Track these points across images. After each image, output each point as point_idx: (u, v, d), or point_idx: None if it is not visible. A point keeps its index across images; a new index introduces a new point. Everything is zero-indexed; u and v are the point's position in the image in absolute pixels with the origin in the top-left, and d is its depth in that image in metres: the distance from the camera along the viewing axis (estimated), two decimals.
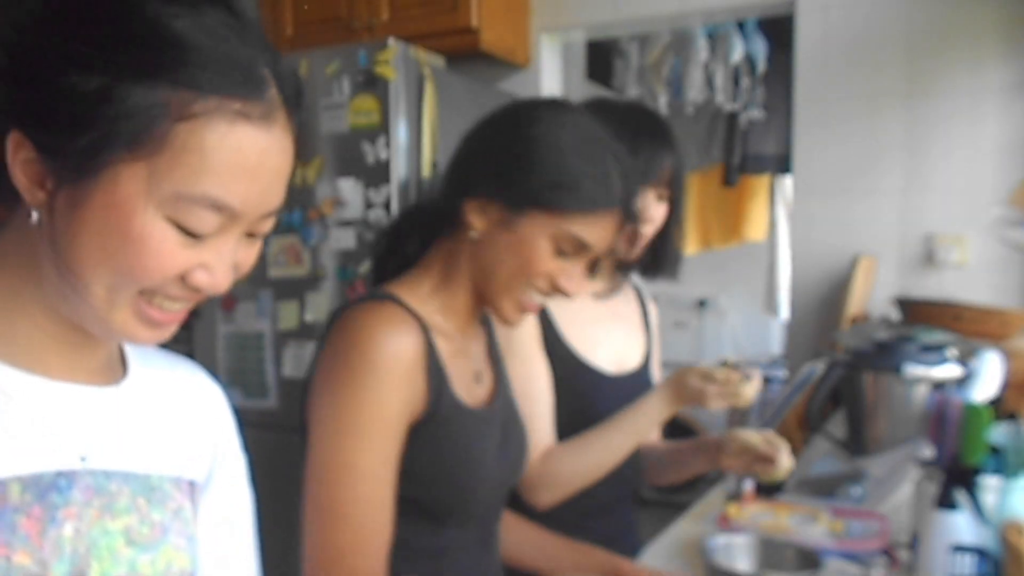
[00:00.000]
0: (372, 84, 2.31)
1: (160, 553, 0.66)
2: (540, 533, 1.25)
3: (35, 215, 0.59)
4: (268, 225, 0.65)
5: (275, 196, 0.63)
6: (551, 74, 3.00)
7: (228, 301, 2.55)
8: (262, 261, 2.51)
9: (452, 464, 1.01)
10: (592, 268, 1.08)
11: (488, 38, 2.69)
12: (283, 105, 0.62)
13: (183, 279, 0.61)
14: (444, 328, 1.04)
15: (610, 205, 0.99)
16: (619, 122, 1.30)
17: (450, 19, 2.64)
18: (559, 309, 1.37)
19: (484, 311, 1.11)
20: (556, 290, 1.02)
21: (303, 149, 0.66)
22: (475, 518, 1.07)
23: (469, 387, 1.06)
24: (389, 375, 0.93)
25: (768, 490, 1.42)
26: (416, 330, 0.97)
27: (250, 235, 0.65)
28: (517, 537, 1.23)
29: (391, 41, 2.33)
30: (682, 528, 1.39)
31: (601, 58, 3.77)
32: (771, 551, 1.15)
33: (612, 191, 0.99)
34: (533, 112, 1.03)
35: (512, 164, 0.99)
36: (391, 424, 0.94)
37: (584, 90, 3.54)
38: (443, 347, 1.02)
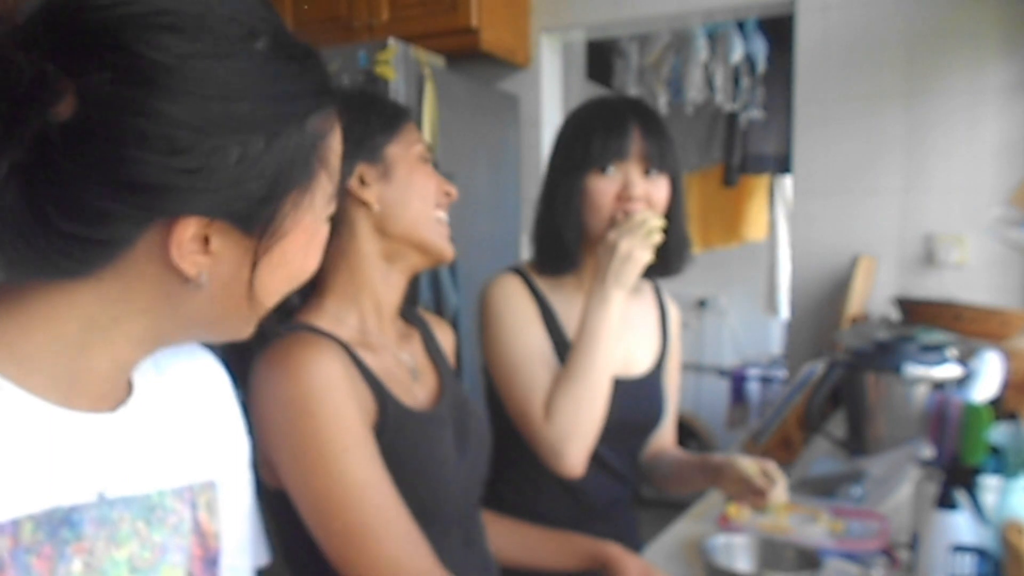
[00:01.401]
0: (372, 84, 2.31)
1: (158, 575, 0.66)
2: (519, 526, 1.24)
3: (204, 278, 0.61)
4: None
5: None
6: (551, 74, 3.00)
7: None
8: None
9: (414, 468, 1.00)
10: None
11: (488, 38, 2.69)
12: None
13: None
14: (365, 340, 1.04)
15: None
16: (586, 108, 1.38)
17: (450, 19, 2.64)
18: (561, 307, 1.37)
19: (409, 312, 1.14)
20: (449, 198, 1.09)
21: None
22: (454, 520, 1.07)
23: (409, 391, 1.06)
24: (332, 392, 0.92)
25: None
26: (336, 349, 0.96)
27: None
28: (496, 533, 1.22)
29: (391, 41, 2.33)
30: (682, 528, 1.39)
31: (601, 58, 3.77)
32: (771, 551, 1.15)
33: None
34: None
35: (355, 131, 1.05)
36: (360, 432, 0.94)
37: (584, 90, 3.54)
38: (370, 359, 1.02)
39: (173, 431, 0.71)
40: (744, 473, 1.26)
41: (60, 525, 0.60)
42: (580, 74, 3.60)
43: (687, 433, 4.27)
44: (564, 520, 1.30)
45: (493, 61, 2.85)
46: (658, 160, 1.31)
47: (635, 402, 1.31)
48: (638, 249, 1.24)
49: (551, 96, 3.00)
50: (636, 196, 1.29)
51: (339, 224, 1.03)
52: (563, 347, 1.34)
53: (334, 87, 0.68)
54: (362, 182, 1.04)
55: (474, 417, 1.15)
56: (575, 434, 1.22)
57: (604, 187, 1.30)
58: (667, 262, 1.40)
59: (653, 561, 1.25)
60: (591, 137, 1.31)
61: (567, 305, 1.38)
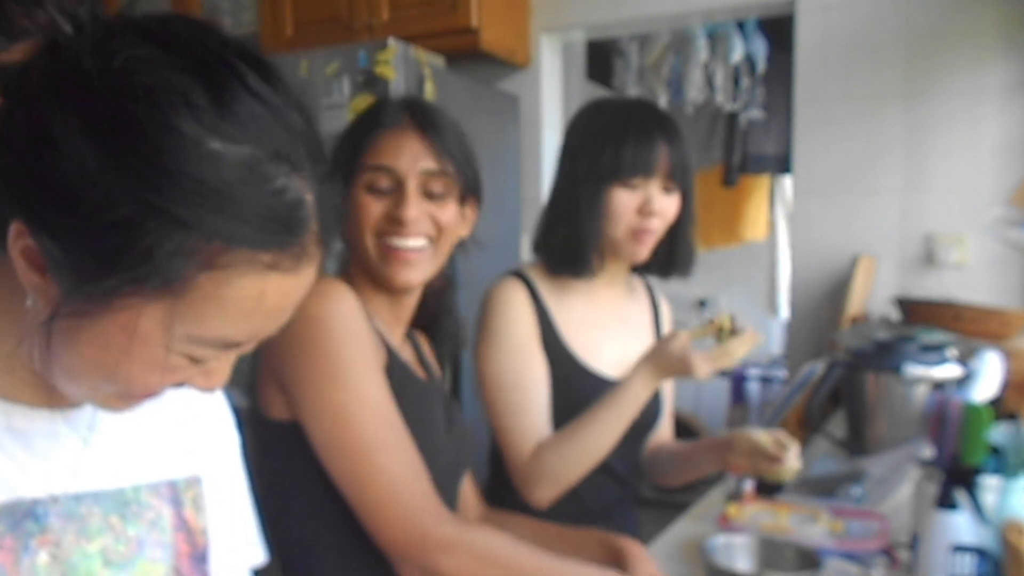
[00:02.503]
0: (372, 84, 2.31)
1: (136, 569, 0.66)
2: (535, 523, 1.24)
3: (29, 301, 0.56)
4: (229, 353, 0.63)
5: (280, 323, 0.61)
6: (551, 74, 3.00)
7: None
8: None
9: (411, 423, 1.02)
10: (406, 193, 1.07)
11: (488, 38, 2.69)
12: (318, 241, 0.58)
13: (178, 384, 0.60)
14: (382, 316, 1.10)
15: (381, 126, 1.06)
16: (610, 116, 1.34)
17: (450, 19, 2.64)
18: (560, 311, 1.37)
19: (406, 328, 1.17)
20: (398, 221, 1.04)
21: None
22: (440, 490, 1.07)
23: (412, 362, 1.12)
24: (353, 317, 0.98)
25: (768, 490, 1.42)
26: (352, 292, 1.01)
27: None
28: (511, 531, 1.22)
29: (391, 41, 2.33)
30: (682, 528, 1.39)
31: (601, 58, 3.76)
32: (771, 551, 1.15)
33: (381, 115, 1.07)
34: None
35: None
36: (373, 356, 0.99)
37: (584, 90, 3.54)
38: (382, 326, 1.08)
39: (152, 426, 0.71)
40: (756, 442, 1.28)
41: (23, 518, 0.60)
42: (580, 74, 3.60)
43: (687, 433, 4.27)
44: (565, 521, 1.30)
45: (493, 61, 2.85)
46: (680, 178, 1.32)
47: None
48: (700, 366, 1.24)
49: (551, 96, 3.00)
50: (655, 212, 1.31)
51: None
52: (560, 352, 1.34)
53: (276, 237, 0.55)
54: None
55: (459, 412, 1.20)
56: (556, 482, 1.27)
57: (627, 200, 1.31)
58: (670, 267, 1.42)
59: (653, 561, 1.25)
60: (621, 149, 1.30)
61: (569, 311, 1.37)
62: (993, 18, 2.29)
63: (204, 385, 0.61)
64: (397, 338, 1.13)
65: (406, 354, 1.14)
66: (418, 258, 1.06)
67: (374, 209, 1.04)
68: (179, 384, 0.60)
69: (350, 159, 1.06)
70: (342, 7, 2.76)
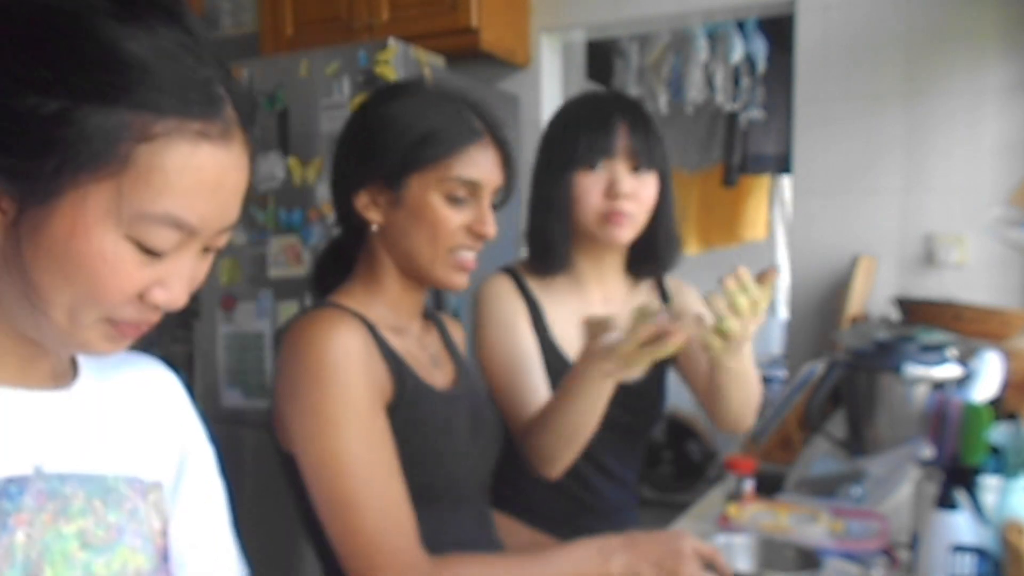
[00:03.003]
0: (372, 84, 2.31)
1: (116, 555, 0.66)
2: (537, 537, 1.24)
3: None
4: (224, 240, 0.66)
5: (232, 212, 0.65)
6: (551, 74, 3.00)
7: (228, 301, 2.55)
8: (262, 261, 2.52)
9: (429, 442, 1.03)
10: (494, 203, 1.09)
11: (488, 38, 2.69)
12: (239, 123, 0.64)
13: (141, 297, 0.62)
14: (391, 322, 1.08)
15: (472, 138, 1.04)
16: (573, 106, 1.37)
17: (450, 19, 2.64)
18: (550, 306, 1.36)
19: (426, 309, 1.16)
20: (480, 237, 1.05)
21: (253, 166, 0.68)
22: (465, 498, 1.09)
23: (428, 372, 1.10)
24: (346, 365, 0.96)
25: (769, 489, 1.42)
26: (358, 326, 1.00)
27: (205, 250, 0.66)
28: (515, 543, 1.22)
29: (391, 41, 2.33)
30: (682, 528, 1.39)
31: (601, 58, 3.76)
32: (771, 551, 1.15)
33: (467, 125, 1.04)
34: (374, 98, 1.09)
35: (374, 146, 1.05)
36: (364, 408, 0.97)
37: (584, 90, 3.54)
38: (393, 339, 1.06)
39: (122, 425, 0.72)
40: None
41: None
42: (580, 74, 3.59)
43: (687, 433, 4.26)
44: (562, 520, 1.30)
45: (493, 61, 2.85)
46: (646, 157, 1.30)
47: (621, 405, 1.26)
48: (624, 368, 1.09)
49: (551, 96, 3.00)
50: (623, 193, 1.28)
51: (366, 222, 1.07)
52: (549, 349, 1.34)
53: (206, 105, 0.60)
54: (373, 201, 1.05)
55: (488, 407, 1.18)
56: (555, 457, 1.21)
57: (591, 184, 1.30)
58: (655, 260, 1.39)
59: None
60: (577, 134, 1.30)
61: (557, 305, 1.37)
62: (993, 18, 2.29)
63: (164, 297, 0.63)
64: (416, 332, 1.13)
65: (428, 351, 1.13)
66: (474, 266, 1.08)
67: (454, 219, 1.03)
68: (140, 296, 0.62)
69: (424, 160, 1.02)
70: (342, 7, 2.76)
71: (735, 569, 1.10)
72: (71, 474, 0.65)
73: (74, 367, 0.72)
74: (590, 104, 1.36)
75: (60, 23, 0.58)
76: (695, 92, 3.54)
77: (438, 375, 1.12)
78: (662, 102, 3.59)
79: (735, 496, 1.37)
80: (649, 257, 1.39)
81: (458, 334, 1.27)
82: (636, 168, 1.30)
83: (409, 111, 1.05)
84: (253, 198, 2.53)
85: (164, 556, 0.73)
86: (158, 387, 0.78)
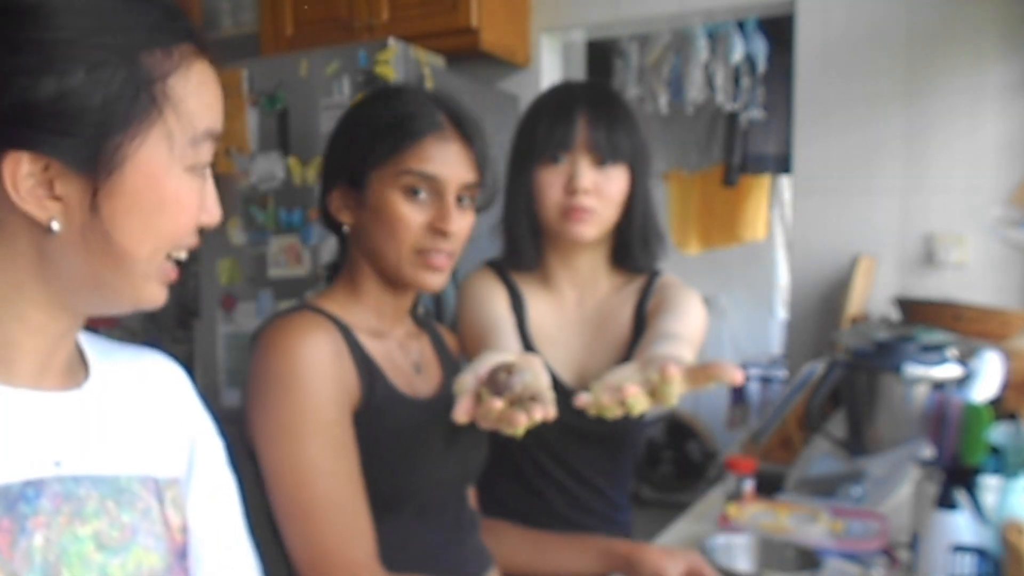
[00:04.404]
0: (372, 84, 2.30)
1: (130, 555, 0.66)
2: (531, 532, 1.23)
3: (55, 225, 0.60)
4: (212, 151, 0.70)
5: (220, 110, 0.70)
6: (551, 74, 3.00)
7: (228, 301, 2.55)
8: (262, 261, 2.52)
9: (394, 450, 1.01)
10: (478, 205, 1.08)
11: (488, 38, 2.69)
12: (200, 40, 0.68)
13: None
14: (372, 326, 1.07)
15: (429, 130, 1.03)
16: (536, 101, 1.33)
17: (450, 19, 2.64)
18: (531, 302, 1.33)
19: (420, 316, 1.15)
20: (442, 234, 1.02)
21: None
22: (434, 507, 1.07)
23: (408, 378, 1.08)
24: (312, 371, 0.95)
25: (769, 489, 1.42)
26: (331, 330, 1.00)
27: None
28: (508, 541, 1.21)
29: (391, 41, 2.33)
30: (682, 528, 1.39)
31: (601, 58, 3.76)
32: (771, 551, 1.15)
33: (426, 118, 1.03)
34: (356, 102, 1.12)
35: (336, 149, 1.09)
36: (327, 417, 0.95)
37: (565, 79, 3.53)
38: (370, 343, 1.04)
39: (134, 423, 0.72)
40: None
41: (17, 500, 0.60)
42: (580, 74, 3.59)
43: (687, 433, 4.27)
44: (556, 525, 1.29)
45: (493, 61, 2.85)
46: (608, 150, 1.23)
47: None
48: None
49: None
50: (581, 188, 1.23)
51: (340, 224, 1.09)
52: (523, 341, 1.30)
53: (185, 26, 0.65)
54: (344, 202, 1.05)
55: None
56: None
57: (552, 178, 1.25)
58: (630, 258, 1.33)
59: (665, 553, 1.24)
60: (537, 126, 1.27)
61: (536, 303, 1.34)
62: (993, 18, 2.29)
63: (210, 218, 0.68)
64: (399, 337, 1.12)
65: (411, 357, 1.12)
66: (446, 265, 1.05)
67: (414, 217, 1.02)
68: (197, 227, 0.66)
69: (380, 157, 1.02)
70: (342, 7, 2.76)
71: (735, 569, 1.10)
72: (85, 476, 0.65)
73: (84, 364, 0.72)
74: (557, 95, 1.32)
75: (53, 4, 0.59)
76: (695, 92, 3.54)
77: (420, 382, 1.11)
78: (662, 102, 3.59)
79: (735, 496, 1.37)
80: (625, 255, 1.33)
81: (454, 343, 1.25)
82: (601, 162, 1.24)
83: (375, 110, 1.06)
84: (253, 198, 2.53)
85: (180, 553, 0.73)
86: (166, 380, 0.78)
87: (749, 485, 1.36)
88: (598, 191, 1.24)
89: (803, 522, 1.28)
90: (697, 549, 1.15)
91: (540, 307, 1.34)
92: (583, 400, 0.84)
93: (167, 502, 0.72)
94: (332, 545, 0.93)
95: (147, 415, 0.74)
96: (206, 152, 0.66)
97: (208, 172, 0.68)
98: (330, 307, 1.05)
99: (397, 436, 1.02)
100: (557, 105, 1.28)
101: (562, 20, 2.89)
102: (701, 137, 4.15)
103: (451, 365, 1.18)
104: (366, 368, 1.02)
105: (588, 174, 1.24)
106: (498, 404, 0.79)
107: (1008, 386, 1.53)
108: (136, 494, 0.69)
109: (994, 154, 2.31)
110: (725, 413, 4.24)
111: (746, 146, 3.89)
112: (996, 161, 2.30)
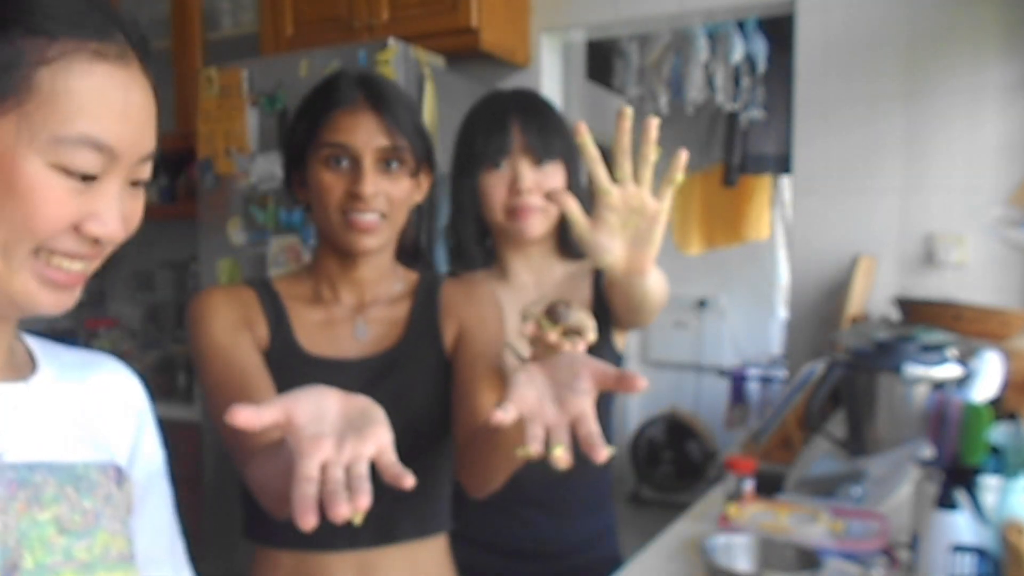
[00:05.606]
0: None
1: (96, 539, 0.66)
2: None
3: None
4: (147, 171, 0.67)
5: (148, 137, 0.66)
6: (551, 74, 3.00)
7: None
8: (262, 261, 2.52)
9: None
10: (387, 163, 1.13)
11: (488, 38, 2.69)
12: (134, 49, 0.65)
13: (77, 231, 0.62)
14: (312, 294, 1.18)
15: (339, 104, 1.12)
16: (471, 110, 1.44)
17: (450, 19, 2.64)
18: (507, 291, 1.38)
19: (423, 281, 1.21)
20: (357, 196, 1.10)
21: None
22: None
23: (333, 341, 1.15)
24: (209, 315, 1.10)
25: (769, 489, 1.42)
26: (243, 288, 1.16)
27: (133, 184, 0.66)
28: None
29: (391, 41, 2.33)
30: (682, 528, 1.39)
31: (601, 58, 3.77)
32: (771, 551, 1.15)
33: (338, 93, 1.14)
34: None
35: (285, 135, 1.20)
36: (221, 342, 1.08)
37: (584, 90, 3.54)
38: (299, 307, 1.16)
39: (83, 416, 0.72)
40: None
41: None
42: (580, 74, 3.59)
43: (687, 433, 4.27)
44: (540, 520, 1.33)
45: (493, 61, 2.85)
46: (544, 150, 1.35)
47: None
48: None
49: (551, 96, 2.99)
50: (524, 188, 1.34)
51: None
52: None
53: (96, 25, 0.62)
54: (298, 183, 1.17)
55: (409, 387, 1.14)
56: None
57: (496, 182, 1.36)
58: (570, 242, 1.39)
59: (653, 561, 1.25)
60: (475, 138, 1.37)
61: (497, 293, 1.36)
62: (993, 18, 2.29)
63: (101, 231, 0.63)
64: (350, 303, 1.18)
65: (354, 322, 1.16)
66: (375, 228, 1.12)
67: (335, 185, 1.11)
68: (76, 229, 0.62)
69: (307, 135, 1.13)
70: (342, 7, 2.76)
71: (735, 569, 1.10)
72: (39, 463, 0.65)
73: (32, 362, 0.72)
74: (487, 107, 1.42)
75: None
76: (695, 92, 3.54)
77: (353, 346, 1.15)
78: (662, 102, 3.59)
79: (735, 496, 1.37)
80: (572, 243, 1.40)
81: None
82: (539, 161, 1.35)
83: (308, 96, 1.18)
84: (253, 198, 2.53)
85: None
86: (116, 385, 0.78)
87: (749, 485, 1.36)
88: (540, 189, 1.35)
89: (803, 522, 1.28)
90: (697, 549, 1.15)
91: (511, 292, 1.39)
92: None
93: (123, 492, 0.72)
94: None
95: (98, 411, 0.74)
96: (83, 158, 0.61)
97: (112, 184, 0.64)
98: (275, 279, 1.19)
99: (286, 388, 1.04)
100: (491, 115, 1.39)
101: (562, 20, 2.89)
102: (701, 137, 4.16)
103: (422, 334, 1.16)
104: (277, 325, 1.13)
105: (529, 174, 1.35)
106: (553, 336, 0.95)
107: (1008, 386, 1.53)
108: (95, 481, 0.69)
109: (994, 154, 2.31)
110: (725, 413, 4.24)
111: (746, 146, 3.89)
112: (996, 161, 2.30)
